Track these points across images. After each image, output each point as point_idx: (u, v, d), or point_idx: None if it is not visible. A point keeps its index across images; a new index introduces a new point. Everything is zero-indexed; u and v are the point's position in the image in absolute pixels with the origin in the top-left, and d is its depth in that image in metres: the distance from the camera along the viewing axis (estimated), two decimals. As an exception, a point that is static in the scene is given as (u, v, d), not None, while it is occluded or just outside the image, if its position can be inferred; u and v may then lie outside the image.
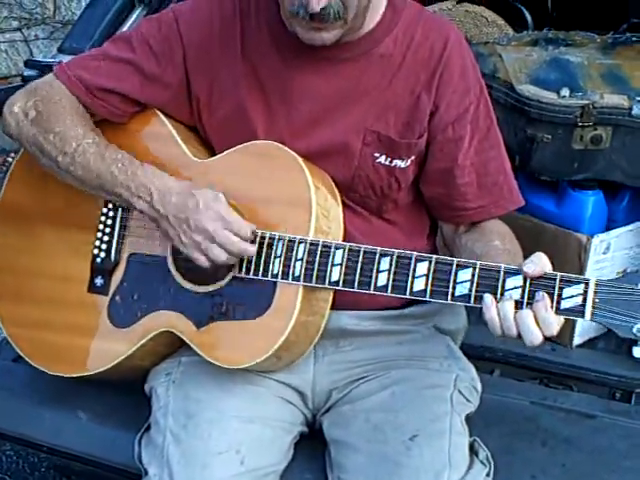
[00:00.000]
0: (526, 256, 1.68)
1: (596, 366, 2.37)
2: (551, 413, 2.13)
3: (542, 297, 1.51)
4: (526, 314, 1.51)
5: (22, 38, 6.83)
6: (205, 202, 1.70)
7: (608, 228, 2.51)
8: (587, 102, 2.36)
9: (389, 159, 1.82)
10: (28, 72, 2.48)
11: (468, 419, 1.83)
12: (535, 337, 1.50)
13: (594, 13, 4.59)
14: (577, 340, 2.48)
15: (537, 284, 1.54)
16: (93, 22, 2.61)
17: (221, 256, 1.69)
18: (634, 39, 2.68)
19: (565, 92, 2.39)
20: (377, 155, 1.81)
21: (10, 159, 2.04)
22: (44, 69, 2.34)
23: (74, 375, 1.89)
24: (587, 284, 1.51)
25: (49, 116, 1.82)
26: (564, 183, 2.51)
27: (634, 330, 1.49)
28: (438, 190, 1.88)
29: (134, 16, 2.64)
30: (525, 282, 1.54)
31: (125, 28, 2.59)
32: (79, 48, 2.49)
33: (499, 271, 1.57)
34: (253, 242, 1.71)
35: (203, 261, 1.71)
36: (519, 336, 1.52)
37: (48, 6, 6.87)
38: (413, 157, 1.83)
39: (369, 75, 1.81)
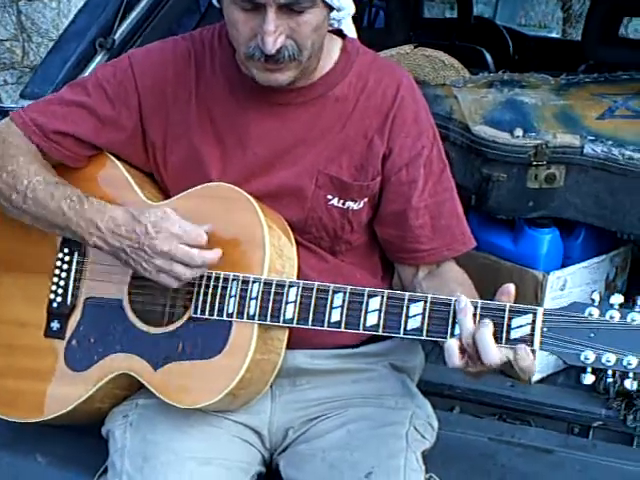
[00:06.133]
0: (483, 294, 1.72)
1: (554, 401, 2.39)
2: (509, 449, 2.15)
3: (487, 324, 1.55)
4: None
5: (-10, 83, 6.86)
6: (153, 224, 1.70)
7: (564, 265, 2.55)
8: (540, 142, 2.42)
9: (342, 201, 1.84)
10: (-10, 117, 2.49)
11: (425, 456, 1.83)
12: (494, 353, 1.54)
13: (554, 55, 4.71)
14: (536, 376, 2.51)
15: (486, 315, 1.57)
16: (55, 68, 2.62)
17: (186, 273, 1.70)
18: (587, 80, 2.75)
19: (519, 132, 2.44)
20: (330, 197, 1.84)
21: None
22: (6, 114, 2.36)
23: (32, 421, 1.89)
24: (535, 314, 1.55)
25: (2, 156, 1.84)
26: (520, 221, 2.56)
27: (581, 358, 1.52)
28: (391, 232, 1.90)
29: (96, 62, 2.66)
30: (476, 312, 1.58)
31: (87, 74, 2.60)
32: (41, 93, 2.50)
33: (450, 304, 1.61)
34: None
35: (172, 282, 1.71)
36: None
37: (17, 51, 6.91)
38: (366, 199, 1.86)
39: (323, 119, 1.84)
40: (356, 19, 1.97)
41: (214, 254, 1.71)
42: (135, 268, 1.74)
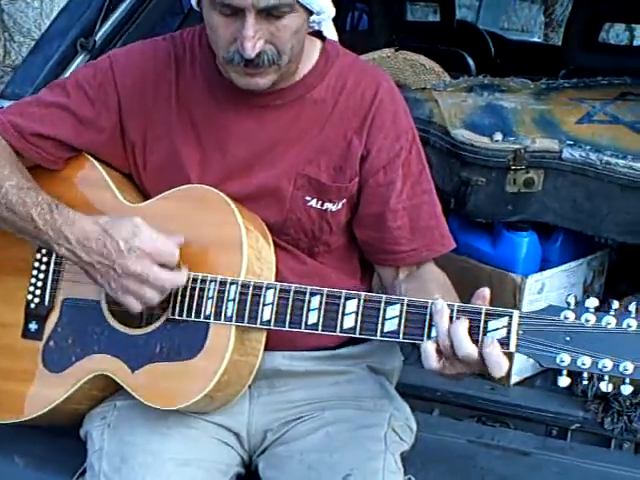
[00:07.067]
0: (462, 296, 1.72)
1: (533, 404, 2.41)
2: (488, 451, 2.16)
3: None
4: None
5: (-29, 82, 6.82)
6: (126, 241, 1.68)
7: (542, 268, 2.57)
8: (519, 146, 2.43)
9: (320, 202, 1.85)
10: (-31, 117, 2.47)
11: (405, 458, 1.84)
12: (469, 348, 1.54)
13: (535, 60, 4.73)
14: (514, 379, 2.53)
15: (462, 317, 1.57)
16: (36, 68, 2.62)
17: (155, 298, 1.69)
18: (566, 85, 2.77)
19: (498, 136, 2.45)
20: (308, 198, 1.84)
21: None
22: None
23: (9, 421, 1.88)
24: (511, 317, 1.56)
25: None
26: (499, 225, 2.57)
27: (557, 360, 1.52)
28: (370, 233, 1.91)
29: (77, 62, 2.65)
30: (452, 315, 1.58)
31: (67, 74, 2.60)
32: (21, 94, 2.50)
33: (426, 306, 1.62)
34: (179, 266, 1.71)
35: (136, 305, 1.70)
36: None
37: (-2, 50, 6.90)
38: (344, 200, 1.86)
39: (302, 120, 1.84)
40: (339, 22, 1.97)
41: (183, 278, 1.71)
42: (102, 285, 1.72)
